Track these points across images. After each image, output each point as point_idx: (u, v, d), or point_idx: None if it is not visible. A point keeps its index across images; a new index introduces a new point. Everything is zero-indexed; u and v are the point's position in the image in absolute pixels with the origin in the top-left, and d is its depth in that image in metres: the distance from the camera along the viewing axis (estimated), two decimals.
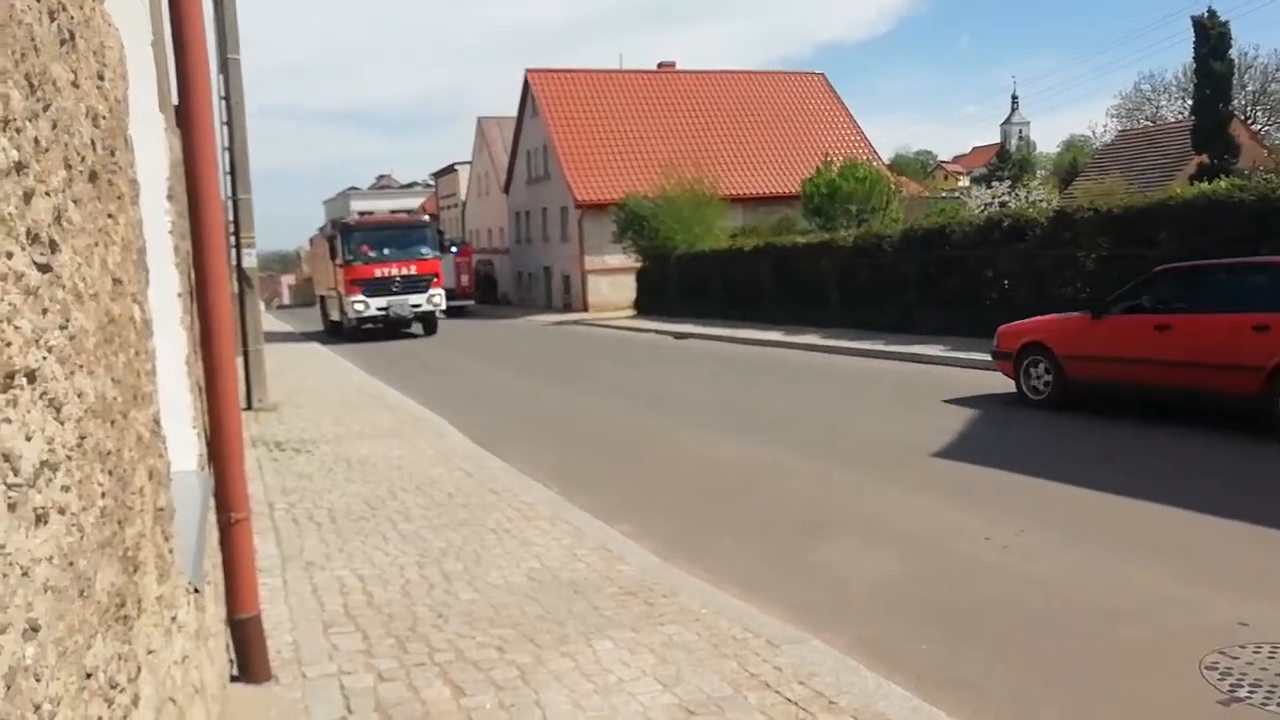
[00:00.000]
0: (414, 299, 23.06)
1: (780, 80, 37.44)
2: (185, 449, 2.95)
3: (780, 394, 11.04)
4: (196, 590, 2.35)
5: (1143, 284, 8.42)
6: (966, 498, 5.93)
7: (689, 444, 8.23)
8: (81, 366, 1.32)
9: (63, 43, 1.35)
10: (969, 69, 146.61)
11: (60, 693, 1.09)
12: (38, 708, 1.02)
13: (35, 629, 1.03)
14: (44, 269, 1.17)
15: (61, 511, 1.17)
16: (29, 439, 1.07)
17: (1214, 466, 6.46)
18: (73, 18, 1.42)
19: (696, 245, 24.37)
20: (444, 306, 24.15)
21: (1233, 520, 5.11)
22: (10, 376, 1.03)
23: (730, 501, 6.21)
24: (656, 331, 20.95)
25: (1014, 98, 72.58)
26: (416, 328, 23.94)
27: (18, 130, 1.09)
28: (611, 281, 29.86)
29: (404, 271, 23.05)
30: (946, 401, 9.51)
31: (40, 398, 1.12)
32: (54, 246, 1.22)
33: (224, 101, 10.06)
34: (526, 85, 34.83)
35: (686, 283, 24.19)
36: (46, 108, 1.23)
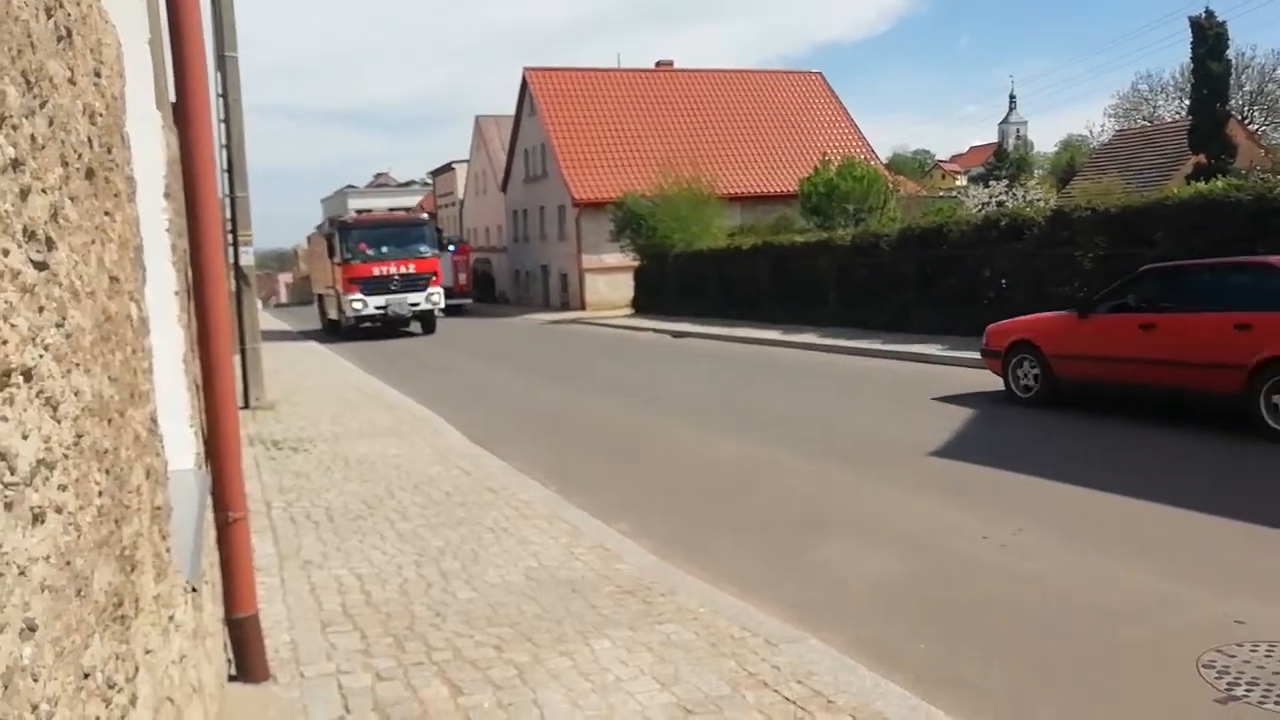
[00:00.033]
0: (413, 297, 22.94)
1: (778, 79, 37.45)
2: (182, 447, 2.94)
3: (778, 393, 11.04)
4: (194, 589, 2.34)
5: (1128, 283, 8.52)
6: (964, 497, 5.94)
7: (687, 443, 8.23)
8: (78, 365, 1.32)
9: (59, 39, 1.35)
10: (968, 69, 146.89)
11: (58, 693, 1.09)
12: (35, 708, 1.01)
13: (32, 629, 1.02)
14: (40, 266, 1.17)
15: (58, 510, 1.16)
16: (26, 437, 1.06)
17: (1202, 465, 6.51)
18: (70, 14, 1.41)
19: (694, 244, 24.37)
20: (443, 305, 24.04)
21: (1223, 518, 5.13)
22: (7, 375, 1.02)
23: (728, 500, 6.21)
24: (654, 330, 20.95)
25: (1012, 97, 72.78)
26: (415, 326, 23.82)
27: (14, 127, 1.09)
28: (609, 280, 29.85)
29: (402, 270, 22.92)
30: (944, 401, 9.53)
31: (37, 396, 1.12)
32: (50, 244, 1.22)
33: (221, 99, 10.04)
34: (524, 84, 34.81)
35: (684, 281, 24.18)
36: (43, 104, 1.22)
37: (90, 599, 1.27)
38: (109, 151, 1.71)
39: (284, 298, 63.73)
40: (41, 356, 1.14)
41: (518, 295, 38.61)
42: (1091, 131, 54.45)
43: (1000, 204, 25.12)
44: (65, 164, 1.33)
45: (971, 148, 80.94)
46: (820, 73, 37.85)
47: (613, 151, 32.24)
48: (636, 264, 27.03)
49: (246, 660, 3.39)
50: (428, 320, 23.61)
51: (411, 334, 23.72)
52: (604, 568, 4.57)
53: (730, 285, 21.85)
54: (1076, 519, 5.33)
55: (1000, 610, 4.10)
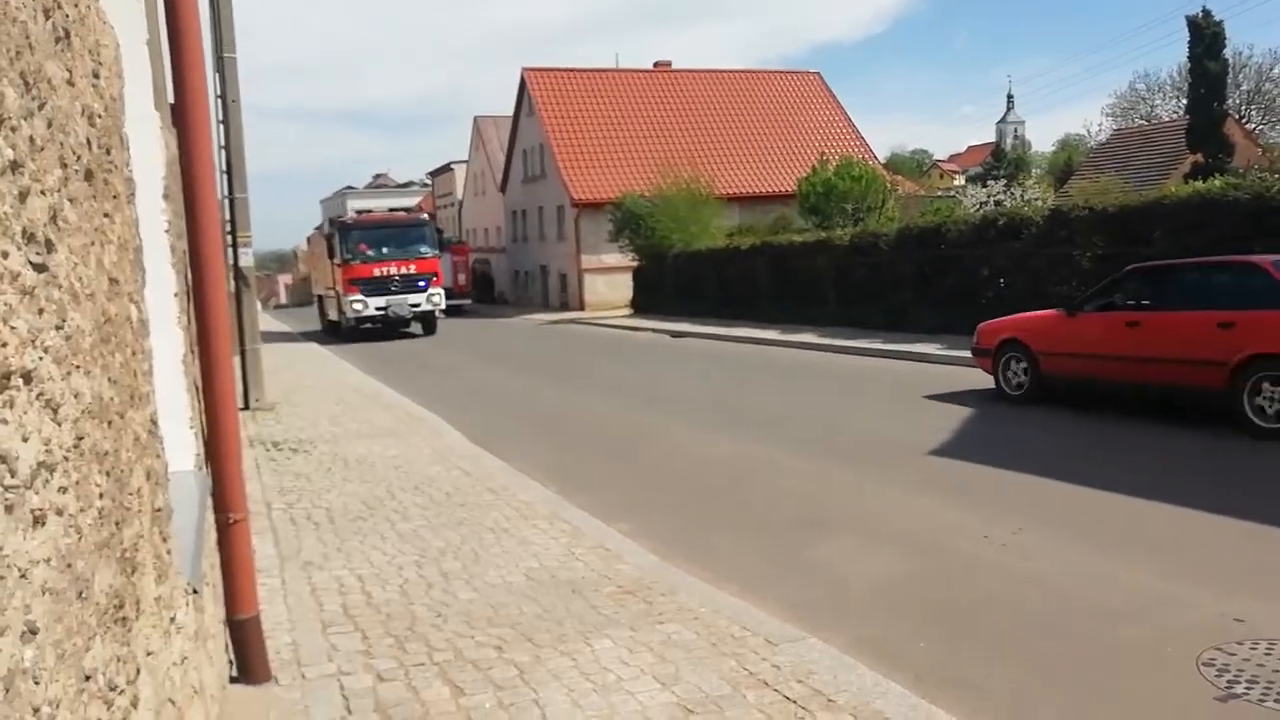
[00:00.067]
0: (413, 298, 22.79)
1: (776, 80, 37.46)
2: (183, 449, 2.94)
3: (776, 392, 11.04)
4: (195, 591, 2.34)
5: (1114, 282, 8.66)
6: (964, 496, 5.94)
7: (686, 442, 8.23)
8: (78, 367, 1.32)
9: (58, 41, 1.34)
10: (965, 69, 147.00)
11: (59, 695, 1.09)
12: (36, 710, 1.01)
13: (34, 631, 1.02)
14: (40, 269, 1.17)
15: (59, 513, 1.16)
16: (26, 440, 1.06)
17: (1199, 463, 6.53)
18: (68, 16, 1.41)
19: (693, 244, 24.38)
20: (443, 306, 23.90)
21: (1222, 517, 5.15)
22: (7, 377, 1.02)
23: (727, 500, 6.21)
24: (653, 330, 20.95)
25: (1009, 97, 72.81)
26: (415, 327, 23.66)
27: (13, 129, 1.09)
28: (608, 280, 29.84)
29: (403, 270, 22.77)
30: (943, 400, 9.53)
31: (37, 398, 1.11)
32: (50, 246, 1.21)
33: (220, 100, 10.03)
34: (523, 84, 34.80)
35: (683, 281, 24.18)
36: (42, 106, 1.22)
37: (91, 601, 1.27)
38: (108, 153, 1.71)
39: (283, 299, 63.70)
40: (41, 359, 1.14)
41: (517, 296, 38.60)
42: (1089, 131, 54.58)
43: (998, 203, 25.13)
44: (64, 166, 1.33)
45: (969, 147, 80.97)
46: (818, 73, 37.91)
47: (611, 152, 32.23)
48: (635, 264, 27.03)
49: (248, 661, 3.39)
50: (428, 321, 23.45)
51: (412, 335, 23.65)
52: (604, 568, 4.57)
53: (729, 285, 21.85)
54: (1076, 518, 5.33)
55: (1001, 610, 4.10)
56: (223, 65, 10.05)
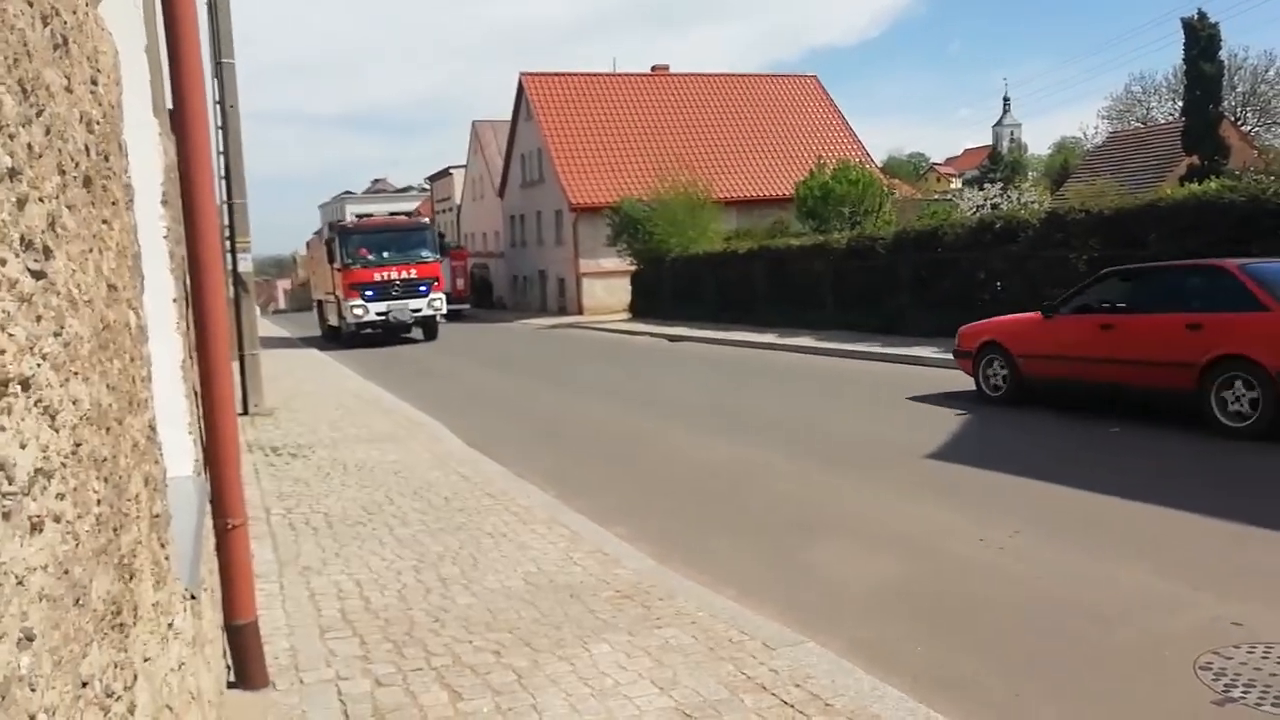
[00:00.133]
0: (414, 303, 22.56)
1: (774, 83, 37.52)
2: (181, 454, 2.93)
3: (774, 396, 11.05)
4: (193, 596, 2.34)
5: (1090, 285, 8.87)
6: (959, 499, 5.95)
7: (683, 446, 8.23)
8: (76, 373, 1.32)
9: (56, 48, 1.35)
10: (962, 72, 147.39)
11: (56, 702, 1.09)
12: (33, 717, 1.01)
13: (30, 638, 1.02)
14: (38, 275, 1.17)
15: (57, 519, 1.16)
16: (23, 446, 1.07)
17: (1189, 465, 6.60)
18: (66, 23, 1.42)
19: (691, 248, 24.40)
20: (445, 311, 23.72)
21: (1216, 519, 5.18)
22: (4, 384, 1.02)
23: (725, 504, 6.21)
24: (651, 334, 20.96)
25: (1005, 100, 72.87)
26: (416, 332, 23.45)
27: (10, 136, 1.09)
28: (606, 285, 29.86)
29: (404, 275, 22.57)
30: (939, 403, 9.54)
31: (35, 405, 1.12)
32: (48, 253, 1.22)
33: (218, 106, 10.04)
34: (521, 89, 34.85)
35: (681, 286, 24.19)
36: (40, 113, 1.22)
37: (88, 608, 1.27)
38: (106, 159, 1.71)
39: (282, 304, 63.67)
40: (39, 365, 1.14)
41: (515, 300, 38.60)
42: (1085, 134, 54.63)
43: (995, 206, 25.18)
44: (62, 172, 1.34)
45: (966, 150, 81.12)
46: (815, 76, 37.96)
47: (609, 156, 32.27)
48: (633, 268, 27.04)
49: (246, 667, 3.38)
50: (429, 326, 23.20)
51: (412, 340, 23.53)
52: (602, 572, 4.57)
53: (726, 289, 21.87)
54: (1071, 521, 5.34)
55: (998, 613, 4.10)
56: (221, 71, 10.06)
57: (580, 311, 30.32)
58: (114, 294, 1.67)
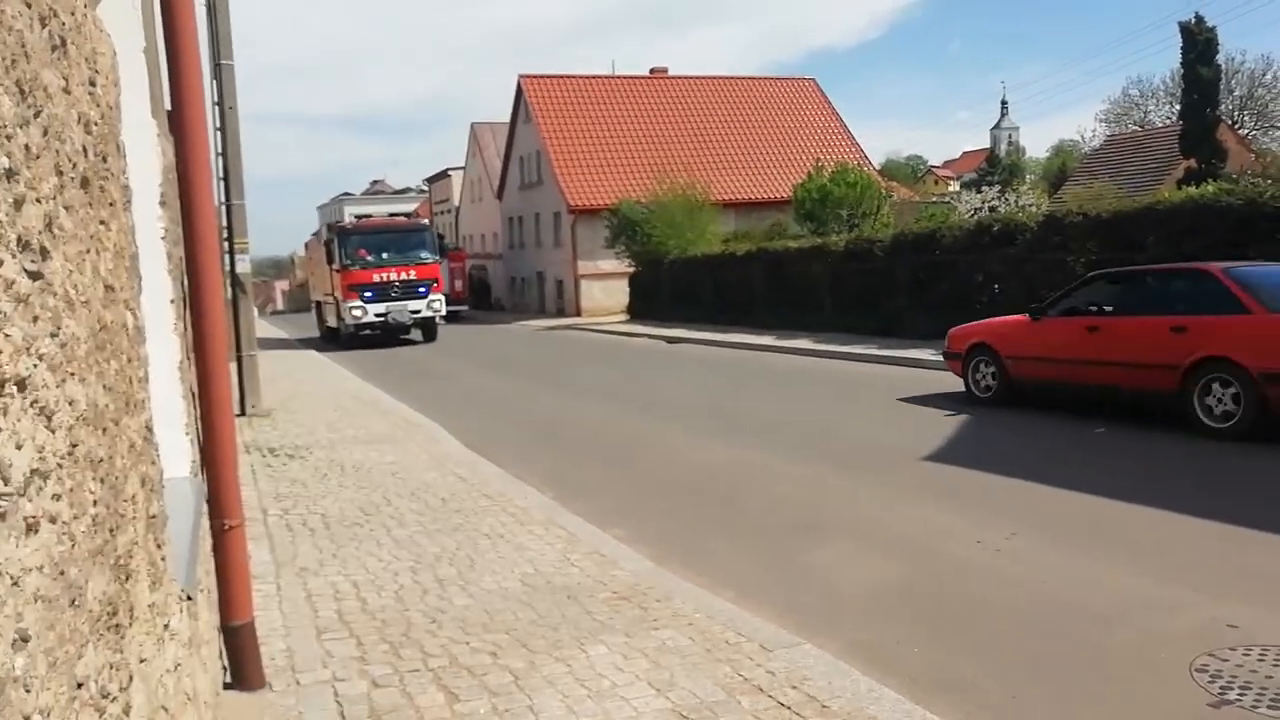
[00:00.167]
0: (414, 304, 22.44)
1: (772, 86, 37.56)
2: (178, 455, 2.93)
3: (771, 398, 11.06)
4: (189, 597, 2.34)
5: (1077, 288, 8.99)
6: (956, 501, 5.95)
7: (681, 448, 8.23)
8: (73, 374, 1.32)
9: (54, 49, 1.35)
10: (960, 75, 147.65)
11: (51, 703, 1.09)
12: (28, 718, 1.01)
13: (25, 639, 1.02)
14: (35, 276, 1.17)
15: (52, 520, 1.16)
16: (19, 447, 1.07)
17: (1175, 465, 6.66)
18: (64, 24, 1.42)
19: (689, 250, 24.41)
20: (444, 312, 23.61)
21: (1210, 521, 5.21)
22: (0, 385, 1.02)
23: (723, 505, 6.21)
24: (649, 336, 20.96)
25: (1003, 103, 73.03)
26: (415, 334, 23.34)
27: (8, 137, 1.09)
28: (604, 286, 29.86)
29: (403, 276, 22.46)
30: (936, 406, 9.56)
31: (31, 406, 1.12)
32: (45, 253, 1.22)
33: (217, 107, 10.04)
34: (519, 91, 34.86)
35: (679, 287, 24.20)
36: (37, 114, 1.23)
37: (84, 609, 1.27)
38: (104, 160, 1.71)
39: (280, 305, 63.64)
40: (36, 366, 1.14)
41: (513, 302, 38.60)
42: (1083, 137, 54.68)
43: (992, 209, 25.18)
44: (60, 173, 1.34)
45: (964, 153, 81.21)
46: (814, 79, 37.98)
47: (608, 158, 32.29)
48: (631, 270, 27.05)
49: (242, 668, 3.38)
50: (429, 328, 23.08)
51: (411, 342, 23.45)
52: (600, 573, 4.57)
53: (725, 291, 21.87)
54: (1068, 523, 5.35)
55: (995, 615, 4.11)
56: (220, 72, 10.06)
57: (578, 313, 30.32)
58: (111, 295, 1.67)
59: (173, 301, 2.96)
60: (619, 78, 36.22)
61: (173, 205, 3.15)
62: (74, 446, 1.29)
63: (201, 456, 3.30)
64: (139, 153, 2.51)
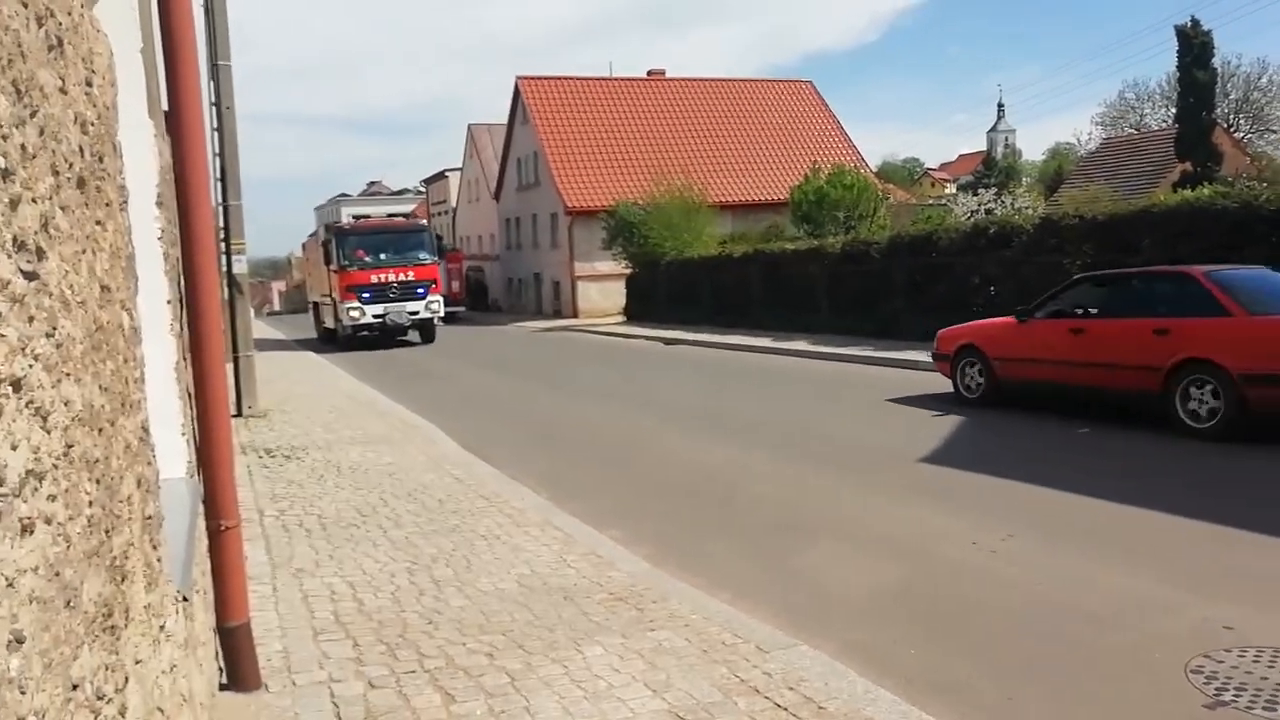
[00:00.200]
0: (412, 305, 22.28)
1: (769, 88, 37.60)
2: (174, 456, 2.93)
3: (769, 399, 11.07)
4: (185, 598, 2.33)
5: (1063, 290, 9.11)
6: (951, 502, 5.97)
7: (678, 449, 8.23)
8: (69, 374, 1.32)
9: (50, 49, 1.35)
10: (957, 77, 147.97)
11: (46, 704, 1.09)
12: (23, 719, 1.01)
13: (20, 640, 1.02)
14: (31, 276, 1.17)
15: (48, 521, 1.16)
16: (15, 448, 1.06)
17: (1167, 466, 6.71)
18: (61, 24, 1.42)
19: (686, 252, 24.43)
20: (442, 313, 23.50)
21: (1196, 520, 5.24)
22: None
23: (718, 506, 6.21)
24: (646, 338, 20.96)
25: (1000, 105, 73.13)
26: (413, 335, 23.20)
27: (4, 137, 1.09)
28: (601, 288, 29.87)
29: (401, 277, 22.31)
30: (931, 407, 9.57)
31: (26, 406, 1.12)
32: (41, 254, 1.22)
33: (214, 107, 10.03)
34: (517, 92, 34.87)
35: (676, 289, 24.22)
36: (34, 114, 1.22)
37: (80, 610, 1.27)
38: (101, 160, 1.71)
39: (277, 305, 63.58)
40: (31, 366, 1.14)
41: (510, 303, 38.58)
42: (1079, 139, 54.89)
43: (989, 212, 25.26)
44: (56, 173, 1.33)
45: (960, 156, 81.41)
46: (811, 82, 38.02)
47: (605, 160, 32.30)
48: (628, 272, 27.06)
49: (238, 669, 3.37)
50: (427, 329, 22.95)
51: (409, 343, 23.38)
52: (596, 575, 4.57)
53: (721, 293, 21.89)
54: (1063, 524, 5.36)
55: (991, 616, 4.11)
56: (217, 73, 10.05)
57: (575, 314, 30.32)
58: (107, 295, 1.66)
59: (169, 302, 2.96)
60: (616, 80, 36.22)
61: (169, 206, 3.15)
62: (70, 447, 1.29)
63: (198, 457, 3.29)
64: (136, 153, 2.51)
